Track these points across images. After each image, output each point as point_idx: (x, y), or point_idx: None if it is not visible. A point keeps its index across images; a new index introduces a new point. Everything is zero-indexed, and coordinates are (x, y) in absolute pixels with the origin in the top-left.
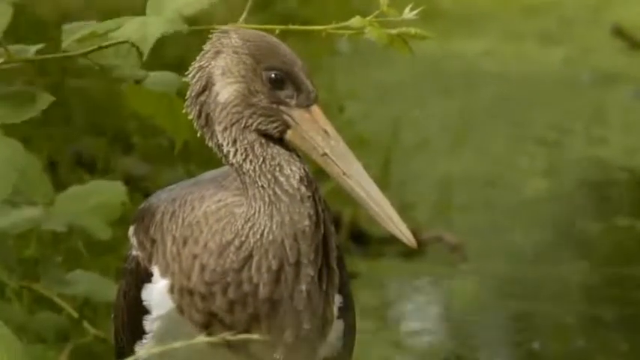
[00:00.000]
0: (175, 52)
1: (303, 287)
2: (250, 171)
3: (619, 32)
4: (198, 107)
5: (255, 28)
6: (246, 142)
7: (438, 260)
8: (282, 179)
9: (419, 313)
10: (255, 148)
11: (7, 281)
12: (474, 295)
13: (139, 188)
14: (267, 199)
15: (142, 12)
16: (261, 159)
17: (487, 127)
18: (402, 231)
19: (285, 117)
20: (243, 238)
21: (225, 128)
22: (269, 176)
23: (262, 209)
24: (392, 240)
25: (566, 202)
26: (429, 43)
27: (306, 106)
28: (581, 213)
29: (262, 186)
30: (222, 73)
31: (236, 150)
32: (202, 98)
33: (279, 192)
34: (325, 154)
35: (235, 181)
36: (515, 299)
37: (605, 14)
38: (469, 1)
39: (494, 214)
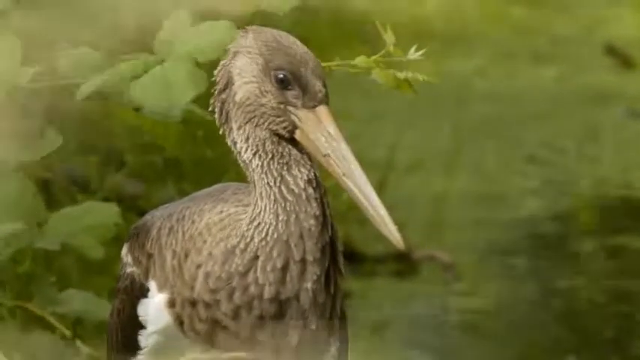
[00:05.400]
0: None
1: (309, 285)
2: (258, 167)
3: (611, 50)
4: (219, 104)
5: None
6: (258, 138)
7: (431, 279)
8: (289, 179)
9: (412, 332)
10: (267, 144)
11: (1, 300)
12: (468, 313)
13: (132, 207)
14: (272, 197)
15: None
16: (271, 155)
17: (480, 146)
18: (392, 233)
19: (293, 117)
20: (248, 240)
21: (240, 126)
22: (275, 174)
23: (268, 207)
24: (385, 259)
25: (560, 220)
26: (422, 62)
27: (312, 107)
28: (575, 231)
29: (269, 184)
30: (239, 73)
31: (248, 146)
32: (223, 96)
33: (284, 191)
34: (327, 154)
35: (235, 194)
36: (508, 317)
37: (597, 33)
38: (461, 20)
39: (488, 233)
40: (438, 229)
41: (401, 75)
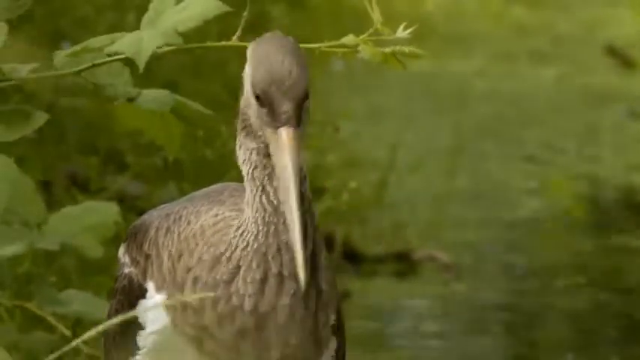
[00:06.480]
0: (169, 70)
1: (287, 300)
2: (246, 175)
3: (611, 51)
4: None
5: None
6: (246, 147)
7: (431, 279)
8: (269, 189)
9: (412, 332)
10: (253, 154)
11: (1, 300)
12: (468, 313)
13: (133, 207)
14: (255, 206)
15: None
16: (254, 165)
17: (480, 146)
18: (300, 270)
19: (265, 133)
20: (233, 248)
21: (239, 133)
22: (258, 183)
23: (251, 216)
24: (385, 259)
25: (560, 220)
26: (422, 62)
27: (276, 128)
28: (575, 231)
29: (252, 192)
30: (244, 82)
31: (241, 153)
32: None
33: (265, 201)
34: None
35: (232, 197)
36: (508, 318)
37: (597, 33)
38: (461, 20)
39: (488, 233)
40: (438, 229)
41: (387, 50)
